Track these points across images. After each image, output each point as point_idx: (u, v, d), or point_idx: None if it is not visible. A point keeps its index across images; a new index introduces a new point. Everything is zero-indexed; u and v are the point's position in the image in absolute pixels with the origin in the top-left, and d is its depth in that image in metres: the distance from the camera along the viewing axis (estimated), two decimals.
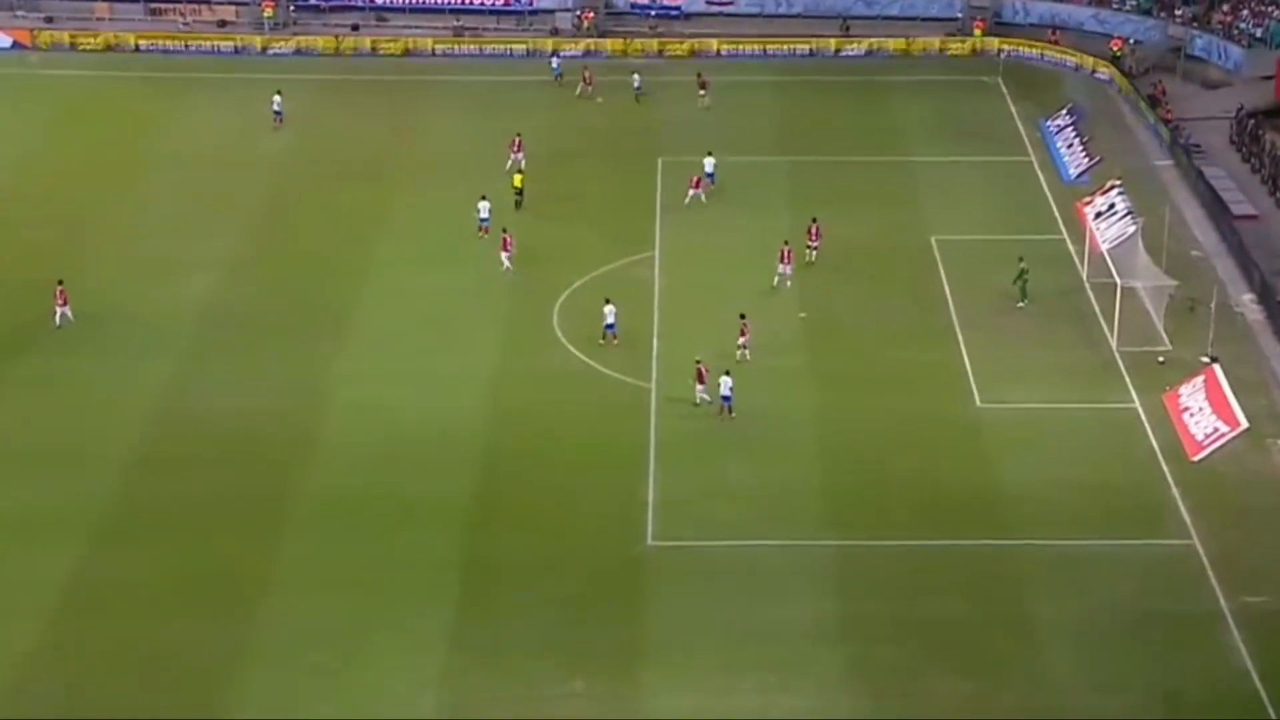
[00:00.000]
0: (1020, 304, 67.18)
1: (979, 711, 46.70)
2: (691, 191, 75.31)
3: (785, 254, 68.37)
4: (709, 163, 76.34)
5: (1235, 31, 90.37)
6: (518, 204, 75.30)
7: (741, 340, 62.71)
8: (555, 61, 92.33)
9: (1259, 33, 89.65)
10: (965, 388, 62.02)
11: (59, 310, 65.33)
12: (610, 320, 64.36)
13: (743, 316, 63.37)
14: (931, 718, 46.61)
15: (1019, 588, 51.64)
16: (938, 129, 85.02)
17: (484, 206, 72.92)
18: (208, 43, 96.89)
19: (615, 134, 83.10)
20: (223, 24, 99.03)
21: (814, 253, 70.25)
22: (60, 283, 65.74)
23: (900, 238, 73.40)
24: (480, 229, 72.55)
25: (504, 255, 69.67)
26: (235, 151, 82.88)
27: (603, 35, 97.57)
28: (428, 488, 56.30)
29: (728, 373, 60.11)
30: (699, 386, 60.27)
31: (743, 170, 79.76)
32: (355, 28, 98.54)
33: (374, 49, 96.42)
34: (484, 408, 60.96)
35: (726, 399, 59.82)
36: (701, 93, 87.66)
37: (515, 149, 78.86)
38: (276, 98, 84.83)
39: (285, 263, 71.70)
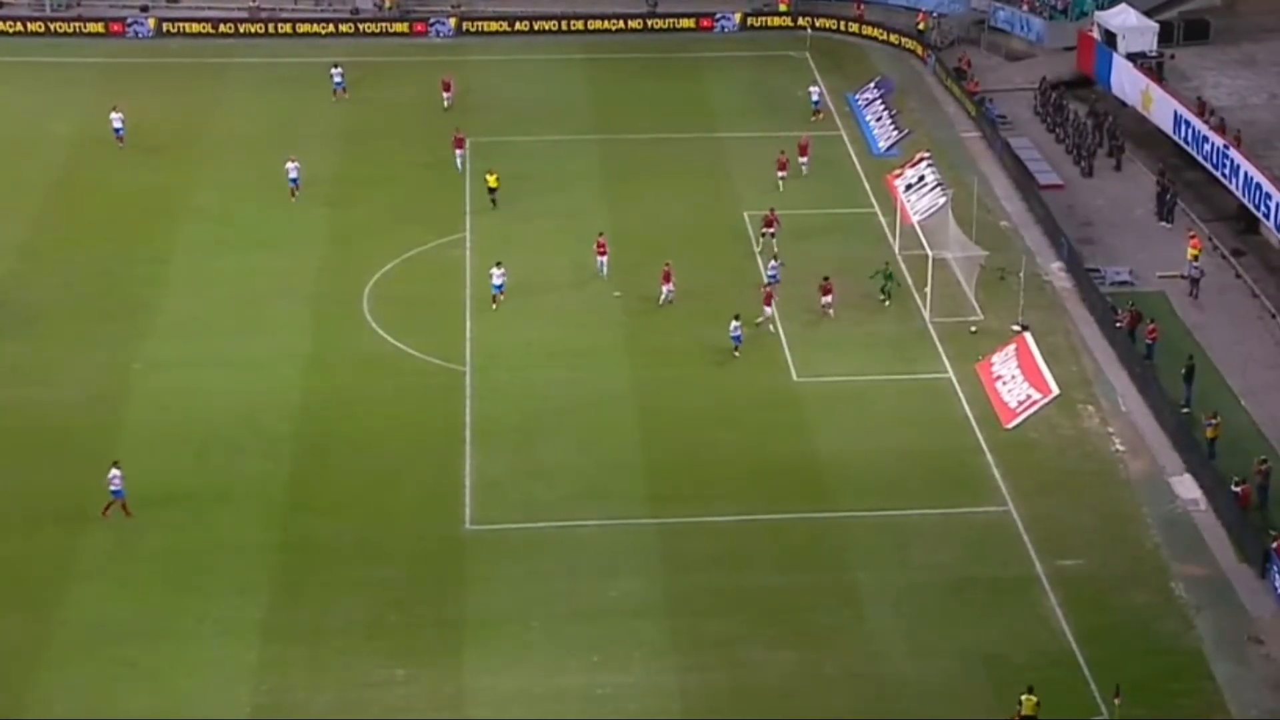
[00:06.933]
0: (883, 301, 65.84)
1: (804, 680, 46.72)
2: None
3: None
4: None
5: (1037, 4, 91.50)
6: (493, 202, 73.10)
7: (768, 230, 68.40)
8: (337, 73, 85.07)
9: (1060, 4, 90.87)
10: (782, 361, 62.03)
11: None
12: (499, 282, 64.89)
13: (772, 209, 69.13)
14: (757, 688, 46.43)
15: (841, 558, 51.76)
16: (747, 104, 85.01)
17: (292, 167, 73.76)
18: None
19: (421, 115, 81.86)
20: (0, 4, 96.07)
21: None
22: None
23: (712, 213, 73.25)
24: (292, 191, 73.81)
25: (600, 259, 67.23)
26: (24, 135, 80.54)
27: (403, 18, 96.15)
28: (239, 474, 55.14)
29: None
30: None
31: (553, 149, 79.27)
32: (145, 9, 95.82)
33: (165, 30, 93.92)
34: (295, 392, 59.84)
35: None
36: (446, 94, 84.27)
37: (458, 145, 76.84)
38: (116, 115, 78.84)
39: (83, 248, 69.77)
